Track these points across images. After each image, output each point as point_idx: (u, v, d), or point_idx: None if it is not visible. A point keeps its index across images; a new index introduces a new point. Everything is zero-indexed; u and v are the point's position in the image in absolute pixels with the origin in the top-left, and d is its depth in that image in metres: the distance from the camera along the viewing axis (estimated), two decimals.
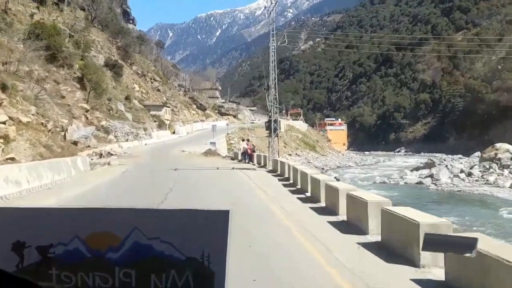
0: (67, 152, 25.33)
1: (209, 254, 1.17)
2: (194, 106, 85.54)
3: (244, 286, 5.26)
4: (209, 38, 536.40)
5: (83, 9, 62.17)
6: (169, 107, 64.85)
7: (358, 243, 7.56)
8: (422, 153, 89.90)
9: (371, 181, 39.53)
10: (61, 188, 15.74)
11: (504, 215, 21.52)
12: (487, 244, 4.71)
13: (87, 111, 38.52)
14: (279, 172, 21.62)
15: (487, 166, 37.19)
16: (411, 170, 42.74)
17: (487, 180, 33.11)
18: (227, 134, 49.99)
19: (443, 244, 1.84)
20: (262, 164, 27.35)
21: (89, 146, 32.02)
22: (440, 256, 5.52)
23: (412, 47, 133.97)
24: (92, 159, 26.44)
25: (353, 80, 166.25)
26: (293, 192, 15.50)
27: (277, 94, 27.56)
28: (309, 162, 51.13)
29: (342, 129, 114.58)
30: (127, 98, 52.67)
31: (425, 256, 5.85)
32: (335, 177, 23.65)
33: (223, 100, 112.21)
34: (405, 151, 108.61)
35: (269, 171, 23.76)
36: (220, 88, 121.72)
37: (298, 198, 13.97)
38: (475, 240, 1.70)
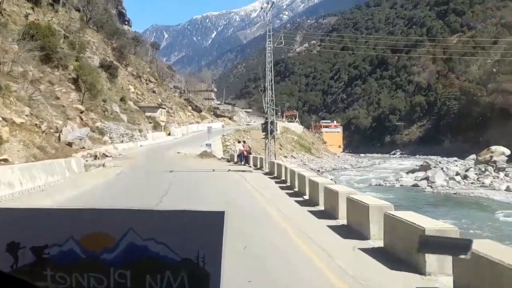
0: (61, 153, 25.07)
1: (204, 255, 1.17)
2: (190, 108, 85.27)
3: (239, 287, 5.15)
4: (204, 40, 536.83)
5: (78, 10, 61.75)
6: (164, 108, 64.51)
7: (360, 249, 7.36)
8: (418, 156, 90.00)
9: (367, 183, 39.50)
10: (55, 189, 15.51)
11: (501, 218, 21.53)
12: (497, 250, 4.54)
13: (81, 112, 38.20)
14: (275, 175, 21.45)
15: (483, 169, 37.33)
16: (407, 173, 42.79)
17: (483, 183, 33.20)
18: (223, 136, 49.88)
19: (438, 246, 1.84)
20: (259, 166, 27.15)
21: (83, 148, 31.74)
22: (447, 263, 5.34)
23: (407, 50, 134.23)
24: (86, 161, 26.22)
25: (349, 83, 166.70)
26: (290, 195, 15.27)
27: (273, 96, 27.40)
28: (304, 164, 51.07)
29: (338, 131, 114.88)
30: (122, 99, 52.38)
31: (431, 263, 5.65)
32: (331, 179, 23.53)
33: (219, 102, 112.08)
34: (401, 154, 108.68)
35: (266, 173, 23.60)
36: (215, 90, 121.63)
37: (296, 201, 13.75)
38: (469, 242, 1.71)
